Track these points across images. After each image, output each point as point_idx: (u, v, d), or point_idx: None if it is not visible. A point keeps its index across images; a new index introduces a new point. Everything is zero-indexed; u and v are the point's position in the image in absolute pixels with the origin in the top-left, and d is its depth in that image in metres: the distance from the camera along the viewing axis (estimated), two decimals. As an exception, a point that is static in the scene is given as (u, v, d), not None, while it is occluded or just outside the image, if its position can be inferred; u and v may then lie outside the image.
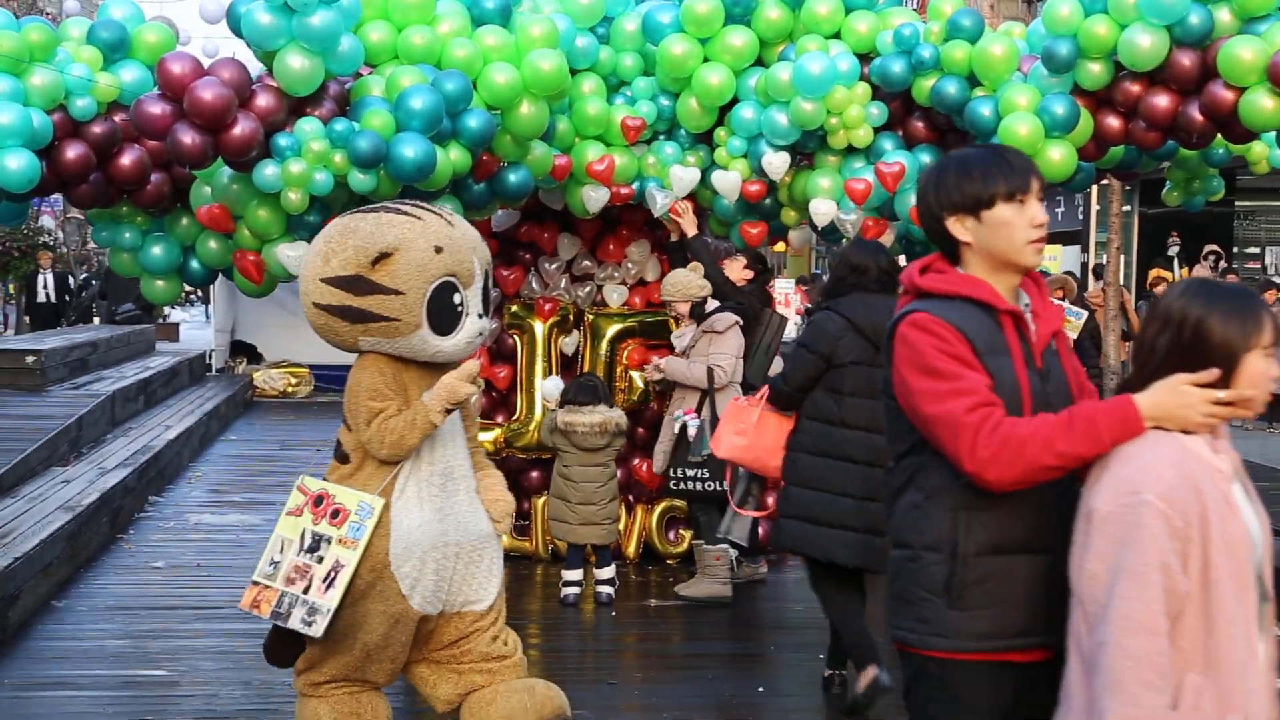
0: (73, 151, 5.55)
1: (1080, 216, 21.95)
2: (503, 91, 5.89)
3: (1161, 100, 5.92)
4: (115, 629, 6.32)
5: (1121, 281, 15.07)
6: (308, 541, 3.96)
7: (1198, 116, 5.85)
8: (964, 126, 6.34)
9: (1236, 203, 18.41)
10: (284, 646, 4.11)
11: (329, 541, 3.93)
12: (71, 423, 9.71)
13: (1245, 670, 2.40)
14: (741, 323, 6.97)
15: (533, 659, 5.04)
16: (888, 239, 7.21)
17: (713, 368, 6.78)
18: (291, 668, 4.23)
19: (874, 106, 6.50)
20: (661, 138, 6.93)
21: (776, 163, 6.62)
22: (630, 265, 7.85)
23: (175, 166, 5.83)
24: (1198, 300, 2.51)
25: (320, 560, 3.93)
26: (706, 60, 6.57)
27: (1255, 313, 2.49)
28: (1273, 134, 6.08)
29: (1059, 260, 23.27)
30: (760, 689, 5.59)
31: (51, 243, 26.52)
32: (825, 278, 5.73)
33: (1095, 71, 5.99)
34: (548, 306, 7.69)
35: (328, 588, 3.90)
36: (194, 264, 6.29)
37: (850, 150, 6.66)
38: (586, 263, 7.83)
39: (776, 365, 7.13)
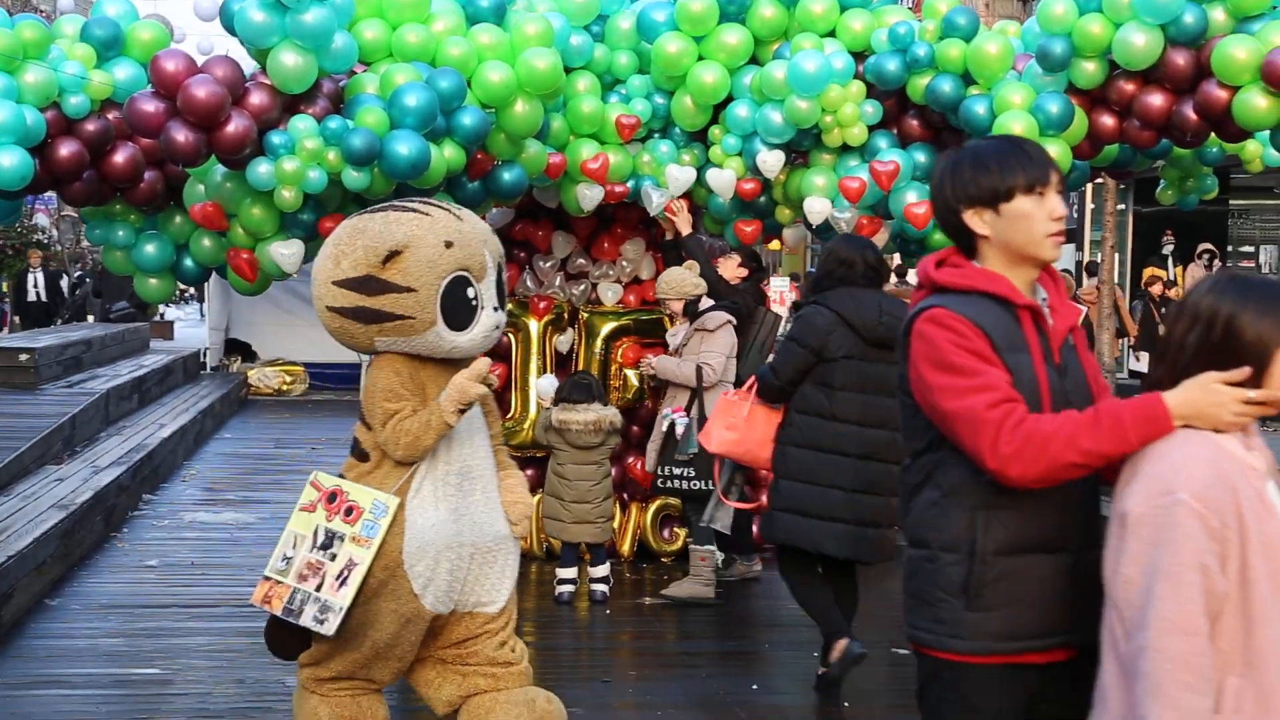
0: (66, 149, 5.55)
1: (1075, 215, 21.97)
2: (497, 89, 5.89)
3: (1156, 99, 5.93)
4: (109, 627, 6.30)
5: (1116, 280, 15.09)
6: (321, 538, 3.94)
7: (1192, 115, 5.86)
8: (959, 125, 6.34)
9: (1231, 201, 18.44)
10: (288, 637, 4.09)
11: (342, 539, 3.90)
12: (65, 421, 9.70)
13: None
14: (735, 322, 6.96)
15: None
16: (882, 237, 7.23)
17: (702, 366, 6.78)
18: (294, 660, 4.21)
19: (869, 105, 6.51)
20: (656, 136, 6.94)
21: (771, 161, 6.63)
22: (625, 263, 7.85)
23: (169, 164, 5.83)
24: (1229, 296, 2.44)
25: (333, 558, 3.91)
26: (701, 58, 6.57)
27: None
28: (1266, 133, 6.09)
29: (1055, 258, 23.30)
30: (754, 687, 5.59)
31: (46, 241, 26.49)
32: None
33: (1090, 70, 5.99)
34: (542, 304, 7.69)
35: (340, 586, 3.88)
36: (187, 262, 6.28)
37: (845, 148, 6.67)
38: (581, 261, 7.83)
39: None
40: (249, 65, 5.70)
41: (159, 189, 5.95)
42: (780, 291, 17.98)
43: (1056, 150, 6.10)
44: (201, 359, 17.71)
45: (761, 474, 6.01)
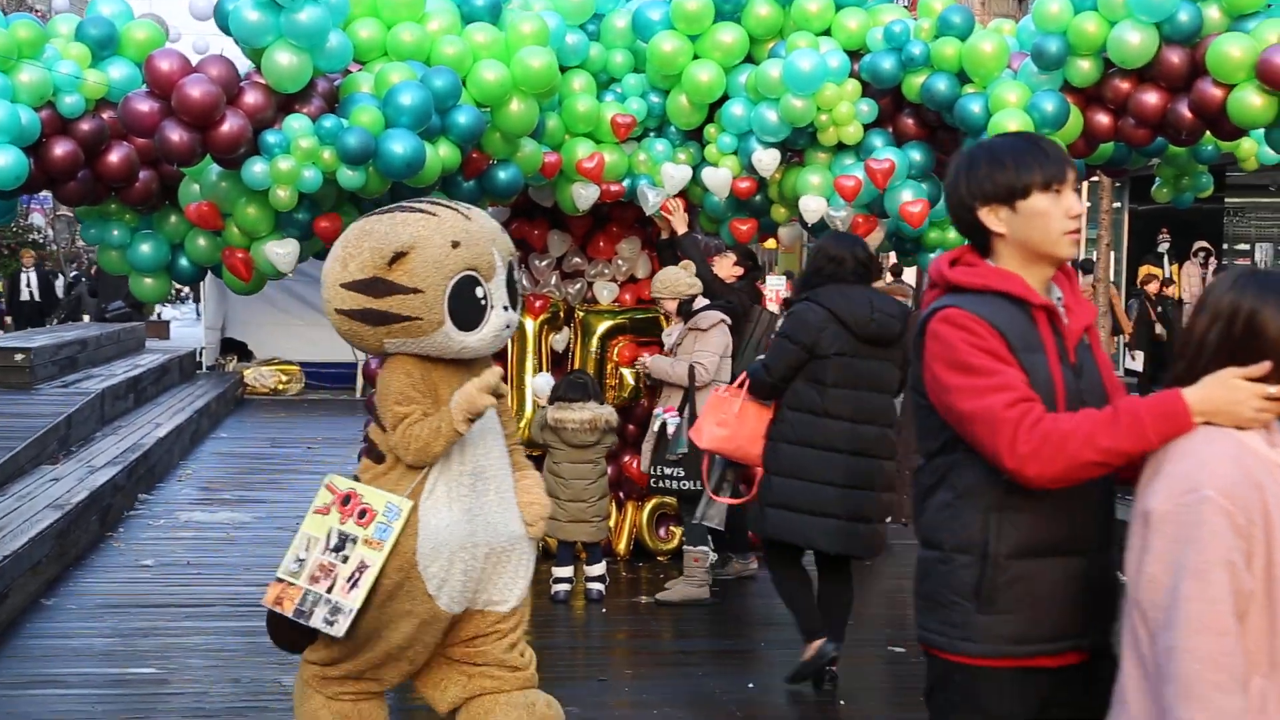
0: (61, 149, 5.54)
1: (1070, 213, 21.98)
2: (492, 88, 5.89)
3: (1151, 97, 5.93)
4: (104, 627, 6.30)
5: (1111, 278, 15.10)
6: (334, 540, 3.93)
7: (1187, 114, 5.86)
8: (954, 123, 6.35)
9: (1226, 199, 18.46)
10: (289, 629, 4.07)
11: (355, 541, 3.90)
12: (61, 421, 9.69)
13: None
14: (729, 321, 6.96)
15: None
16: (877, 235, 7.23)
17: (694, 365, 6.78)
18: (298, 653, 4.19)
19: (864, 103, 6.51)
20: (652, 135, 6.94)
21: (766, 159, 6.63)
22: (620, 262, 7.85)
23: (164, 164, 5.82)
24: (1250, 292, 2.41)
25: (345, 560, 3.90)
26: (696, 57, 6.57)
27: None
28: (1261, 131, 6.09)
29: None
30: (750, 685, 5.59)
31: (41, 240, 26.47)
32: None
33: (1085, 68, 5.99)
34: (538, 303, 7.69)
35: (351, 587, 3.87)
36: (183, 262, 6.27)
37: (840, 147, 6.67)
38: (577, 260, 7.83)
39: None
40: (244, 64, 5.70)
41: (154, 188, 5.95)
42: (776, 290, 17.97)
43: (1051, 149, 6.11)
44: (197, 358, 17.70)
45: (756, 471, 6.03)
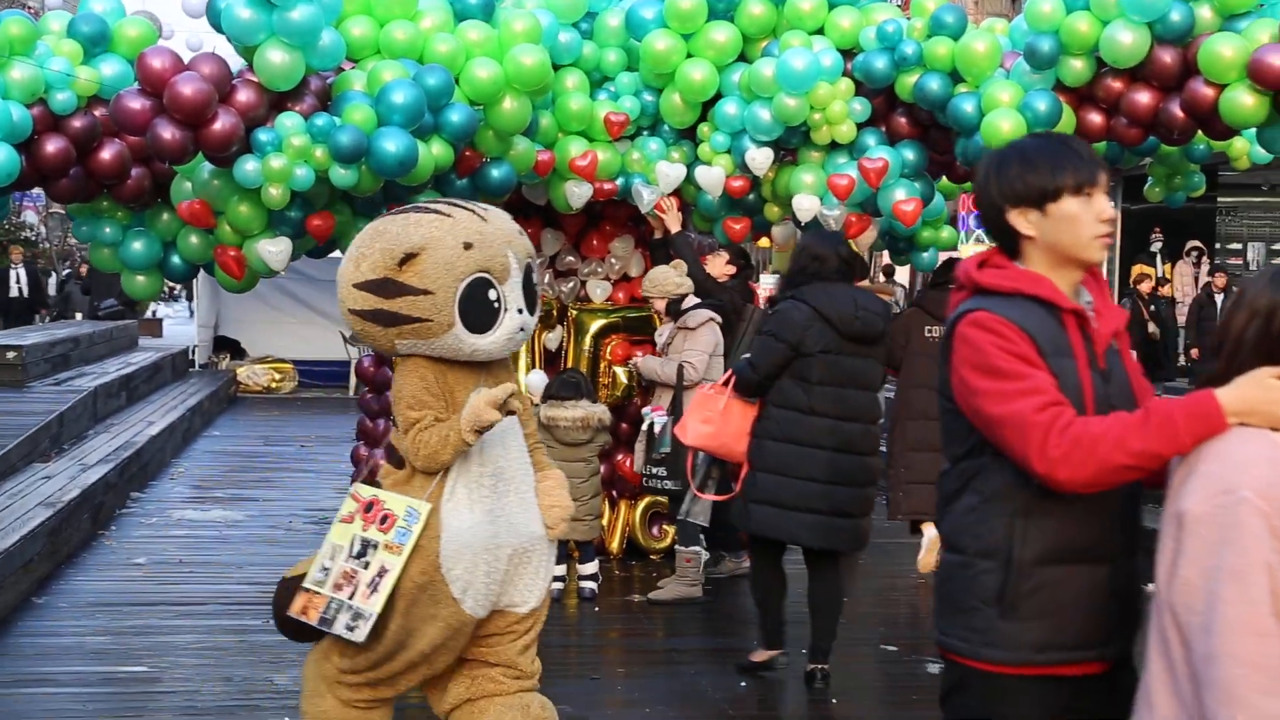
0: (52, 146, 5.53)
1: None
2: (485, 86, 5.89)
3: (1143, 97, 5.94)
4: (96, 625, 6.29)
5: (1104, 277, 15.13)
6: (356, 547, 3.92)
7: (1179, 113, 5.87)
8: (947, 123, 6.35)
9: (1218, 199, 18.47)
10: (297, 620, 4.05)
11: (375, 547, 3.88)
12: (53, 419, 9.67)
13: None
14: (719, 320, 6.96)
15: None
16: (871, 235, 7.24)
17: (683, 364, 6.78)
18: (303, 641, 4.17)
19: (857, 102, 6.51)
20: (645, 133, 6.94)
21: (760, 158, 6.63)
22: (614, 260, 7.85)
23: (156, 161, 5.81)
24: None
25: (366, 566, 3.89)
26: (690, 56, 6.57)
27: None
28: (1253, 130, 6.10)
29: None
30: (743, 684, 5.59)
31: (34, 238, 26.42)
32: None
33: (1077, 68, 6.00)
34: (531, 302, 7.67)
35: (371, 593, 3.85)
36: (175, 259, 6.27)
37: (833, 146, 6.67)
38: (570, 258, 7.82)
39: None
40: (236, 62, 5.69)
41: (146, 186, 5.94)
42: (769, 289, 17.99)
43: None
44: (190, 356, 17.69)
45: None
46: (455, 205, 3.97)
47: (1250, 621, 2.18)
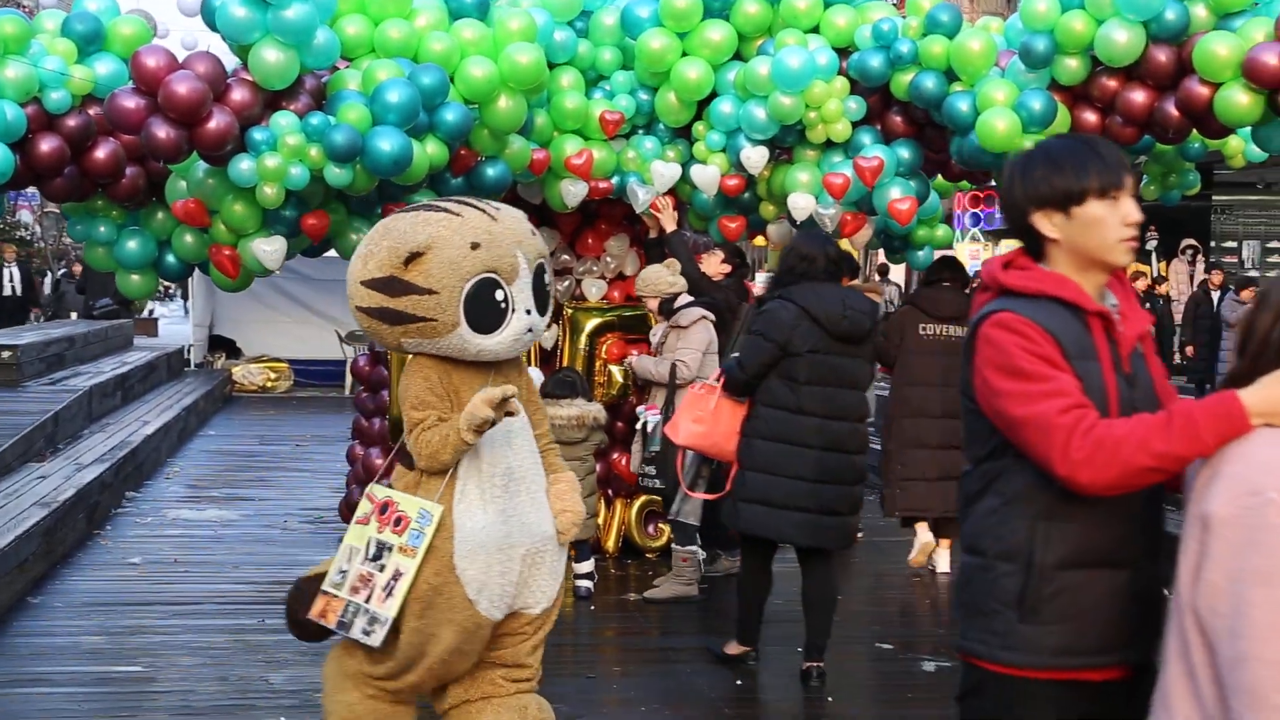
0: (47, 145, 5.52)
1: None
2: (480, 85, 5.88)
3: (1138, 95, 5.94)
4: (91, 625, 6.28)
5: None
6: (372, 550, 3.91)
7: (1174, 112, 5.87)
8: (942, 121, 6.36)
9: (1213, 197, 18.52)
10: (308, 620, 4.03)
11: (390, 549, 3.87)
12: (48, 418, 9.66)
13: None
14: (712, 317, 6.95)
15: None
16: (866, 233, 7.25)
17: (676, 363, 6.78)
18: (315, 641, 4.15)
19: (852, 101, 6.52)
20: (640, 132, 6.94)
21: (755, 157, 6.63)
22: (609, 259, 7.85)
23: (150, 160, 5.80)
24: None
25: (382, 568, 3.88)
26: (685, 54, 6.57)
27: None
28: (1248, 128, 6.11)
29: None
30: (739, 682, 5.59)
31: (29, 237, 26.39)
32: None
33: (1072, 67, 6.00)
34: (526, 301, 7.67)
35: (387, 597, 3.83)
36: (170, 258, 6.26)
37: (829, 144, 6.67)
38: (565, 257, 7.82)
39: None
40: (231, 61, 5.68)
41: (140, 185, 5.93)
42: (764, 287, 18.00)
43: (1039, 146, 6.12)
44: (185, 356, 17.67)
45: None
46: (466, 204, 3.94)
47: (1279, 624, 2.15)
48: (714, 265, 7.42)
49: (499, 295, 3.83)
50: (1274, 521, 2.18)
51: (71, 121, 5.59)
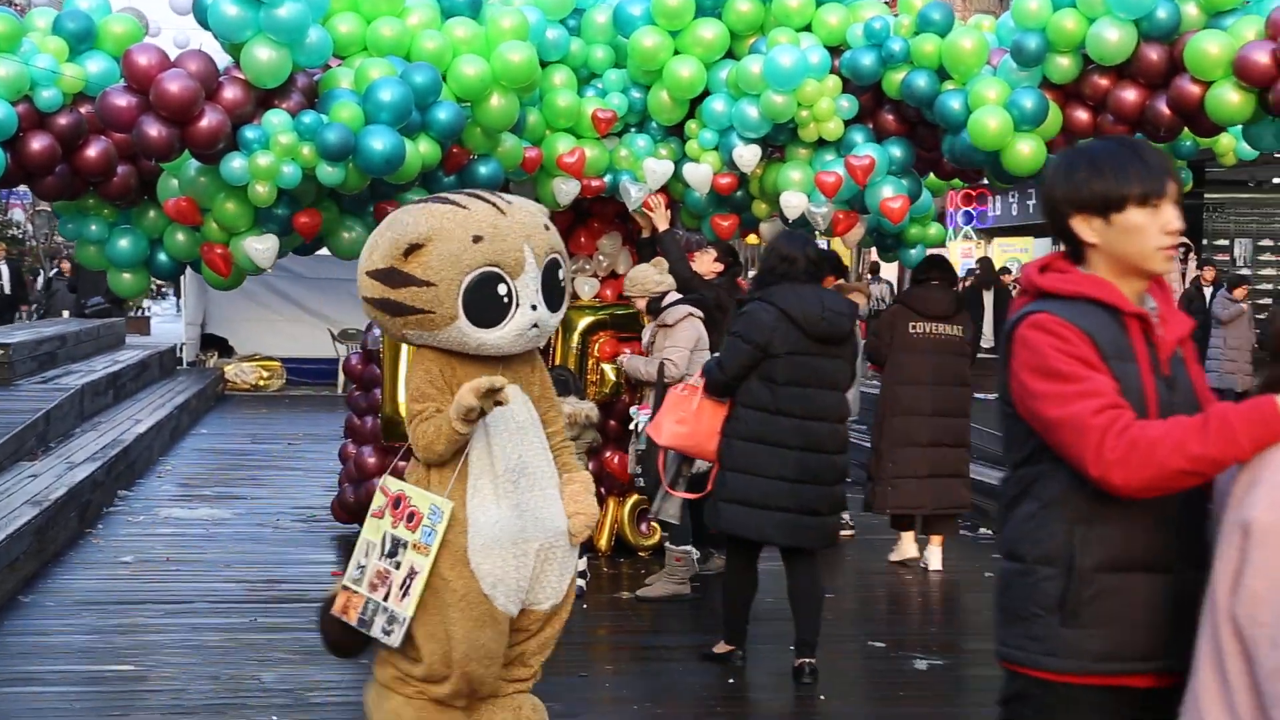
0: (38, 143, 5.52)
1: (1051, 209, 22.01)
2: (472, 84, 5.88)
3: (1129, 94, 5.96)
4: (82, 624, 6.27)
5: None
6: (387, 546, 3.89)
7: (1165, 110, 5.89)
8: (934, 120, 6.36)
9: (1205, 195, 18.52)
10: (343, 636, 4.01)
11: (405, 546, 3.86)
12: (39, 417, 9.64)
13: None
14: (700, 314, 6.93)
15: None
16: (858, 232, 7.25)
17: (664, 362, 6.78)
18: (353, 658, 4.13)
19: (844, 99, 6.52)
20: (633, 130, 6.94)
21: (747, 155, 6.64)
22: (601, 258, 7.84)
23: (142, 159, 5.80)
24: None
25: (398, 565, 3.87)
26: (677, 53, 6.58)
27: None
28: (1239, 127, 6.12)
29: (1030, 252, 23.41)
30: (730, 681, 5.60)
31: (21, 235, 26.33)
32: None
33: (1064, 65, 6.01)
34: (519, 299, 7.66)
35: (404, 595, 3.82)
36: (161, 257, 6.25)
37: (821, 143, 6.68)
38: (558, 255, 7.81)
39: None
40: (223, 59, 5.68)
41: (132, 183, 5.93)
42: (758, 286, 18.00)
43: (1031, 145, 6.13)
44: (178, 354, 17.64)
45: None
46: (478, 197, 3.92)
47: None
48: (706, 264, 7.41)
49: (501, 290, 3.81)
50: None
51: (63, 120, 5.58)
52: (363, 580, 3.92)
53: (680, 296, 6.99)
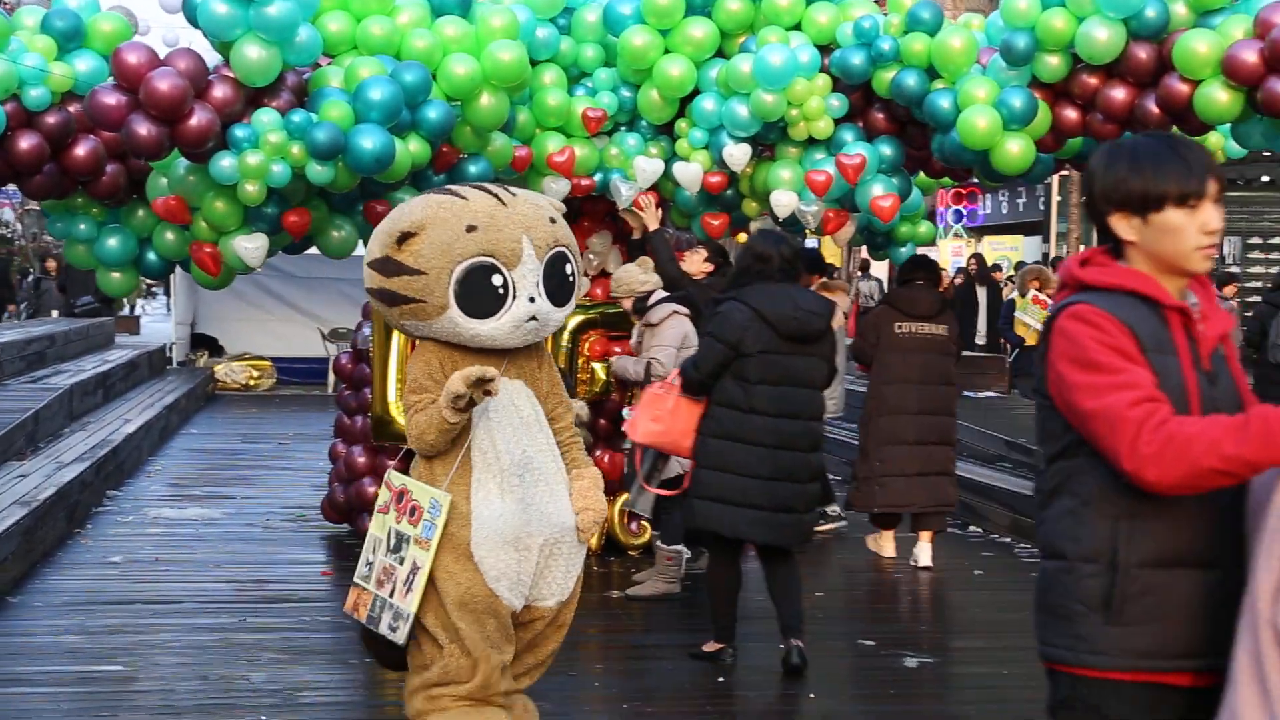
0: (26, 142, 5.50)
1: (1041, 207, 22.10)
2: (462, 82, 5.87)
3: (1118, 93, 5.97)
4: (71, 625, 6.25)
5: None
6: (392, 541, 3.89)
7: (1154, 109, 5.90)
8: (923, 119, 6.37)
9: (1195, 194, 18.55)
10: (385, 648, 4.00)
11: (408, 542, 3.86)
12: (28, 417, 9.61)
13: None
14: (686, 312, 6.92)
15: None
16: (849, 230, 7.26)
17: (650, 361, 6.78)
18: (402, 670, 4.09)
19: (834, 98, 6.53)
20: (623, 129, 6.94)
21: (738, 154, 6.64)
22: (591, 256, 7.84)
23: (131, 158, 5.78)
24: None
25: (401, 561, 3.86)
26: (667, 51, 6.58)
27: None
28: (1228, 125, 6.13)
29: (1020, 250, 23.44)
30: (720, 679, 5.60)
31: (10, 234, 26.26)
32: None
33: (1053, 64, 6.02)
34: (509, 298, 7.66)
35: (407, 591, 3.81)
36: (150, 256, 6.24)
37: (811, 142, 6.68)
38: (548, 254, 7.81)
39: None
40: (212, 58, 5.67)
41: (121, 182, 5.91)
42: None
43: (1020, 144, 6.14)
44: (167, 354, 17.60)
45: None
46: (482, 189, 3.91)
47: None
48: (696, 264, 7.41)
49: (496, 280, 3.79)
50: None
51: (51, 119, 5.56)
52: (370, 577, 3.91)
53: (665, 295, 6.98)
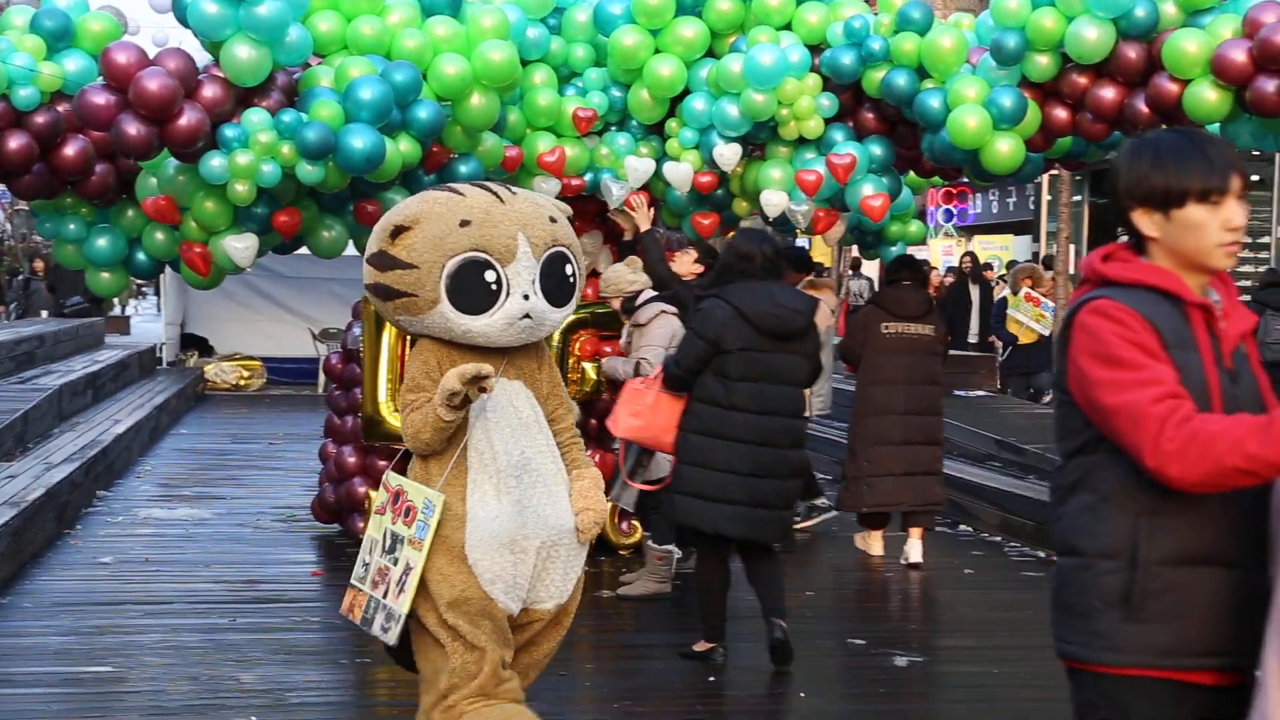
0: (15, 142, 5.49)
1: (1032, 206, 22.13)
2: (453, 82, 5.87)
3: (1108, 92, 5.98)
4: (60, 625, 6.23)
5: (1072, 271, 15.20)
6: (387, 542, 3.88)
7: (1143, 108, 5.91)
8: (913, 118, 6.38)
9: (1185, 194, 18.60)
10: (403, 652, 3.99)
11: (402, 542, 3.85)
12: (17, 417, 9.59)
13: None
14: (674, 310, 6.91)
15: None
16: (839, 230, 7.27)
17: (640, 361, 6.78)
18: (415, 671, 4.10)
19: (824, 98, 6.54)
20: (613, 129, 6.94)
21: (728, 154, 6.64)
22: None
23: (120, 157, 5.77)
24: None
25: (395, 562, 3.85)
26: (658, 51, 6.58)
27: None
28: (1217, 125, 6.15)
29: (1010, 249, 23.48)
30: (711, 679, 5.60)
31: (0, 235, 26.19)
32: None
33: (1043, 64, 6.04)
34: (500, 298, 7.66)
35: (400, 592, 3.81)
36: (140, 256, 6.23)
37: (801, 141, 6.69)
38: (538, 254, 7.80)
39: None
40: (202, 58, 5.66)
41: (110, 182, 5.90)
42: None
43: (1010, 143, 6.16)
44: (157, 354, 17.56)
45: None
46: (481, 186, 3.90)
47: None
48: (686, 264, 7.39)
49: (489, 276, 3.76)
50: None
51: (40, 118, 5.56)
52: (366, 578, 3.91)
53: (653, 295, 6.98)
